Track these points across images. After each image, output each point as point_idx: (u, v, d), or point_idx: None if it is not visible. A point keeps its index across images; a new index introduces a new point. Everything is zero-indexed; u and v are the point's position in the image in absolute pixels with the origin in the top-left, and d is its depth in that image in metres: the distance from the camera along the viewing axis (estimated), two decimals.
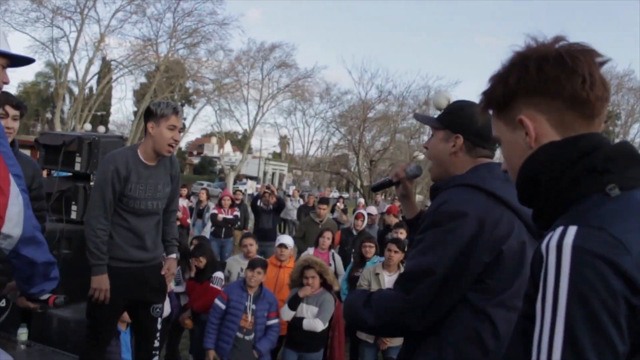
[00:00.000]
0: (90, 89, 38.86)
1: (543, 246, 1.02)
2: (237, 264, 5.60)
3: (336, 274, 6.33)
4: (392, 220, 8.95)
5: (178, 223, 9.40)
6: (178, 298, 5.40)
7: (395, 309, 1.76)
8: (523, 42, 1.20)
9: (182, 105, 48.59)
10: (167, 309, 4.93)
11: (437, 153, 1.98)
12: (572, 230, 0.99)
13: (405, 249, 5.64)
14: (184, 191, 12.28)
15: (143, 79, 40.83)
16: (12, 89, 67.55)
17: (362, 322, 1.86)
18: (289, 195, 16.63)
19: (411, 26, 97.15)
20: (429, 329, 1.75)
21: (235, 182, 45.83)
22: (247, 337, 4.45)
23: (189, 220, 10.05)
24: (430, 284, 1.70)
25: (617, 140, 1.21)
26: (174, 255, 3.79)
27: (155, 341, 3.68)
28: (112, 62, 35.78)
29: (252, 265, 4.59)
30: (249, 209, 11.25)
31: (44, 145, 5.11)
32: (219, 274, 5.31)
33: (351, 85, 79.92)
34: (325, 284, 4.80)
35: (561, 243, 0.98)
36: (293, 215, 15.31)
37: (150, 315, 3.65)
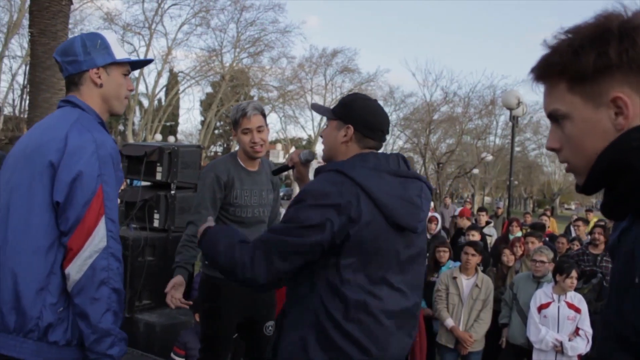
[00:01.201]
0: (160, 100, 40.11)
1: (633, 243, 0.91)
2: None
3: None
4: (465, 223, 8.78)
5: None
6: None
7: (241, 262, 1.94)
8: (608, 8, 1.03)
9: None
10: None
11: (330, 141, 2.16)
12: None
13: (482, 252, 5.54)
14: None
15: (209, 89, 41.87)
16: None
17: (213, 258, 2.05)
18: None
19: (474, 26, 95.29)
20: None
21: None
22: None
23: None
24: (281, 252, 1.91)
25: None
26: None
27: None
28: (180, 74, 36.86)
29: None
30: None
31: (127, 156, 5.32)
32: None
33: (415, 88, 79.12)
34: None
35: None
36: None
37: (263, 334, 3.42)
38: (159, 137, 34.36)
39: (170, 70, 37.59)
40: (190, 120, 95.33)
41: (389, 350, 1.98)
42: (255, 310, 3.37)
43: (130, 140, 32.23)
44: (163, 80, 36.25)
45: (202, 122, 43.07)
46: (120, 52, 2.09)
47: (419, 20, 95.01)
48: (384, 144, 2.18)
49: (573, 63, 1.03)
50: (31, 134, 2.04)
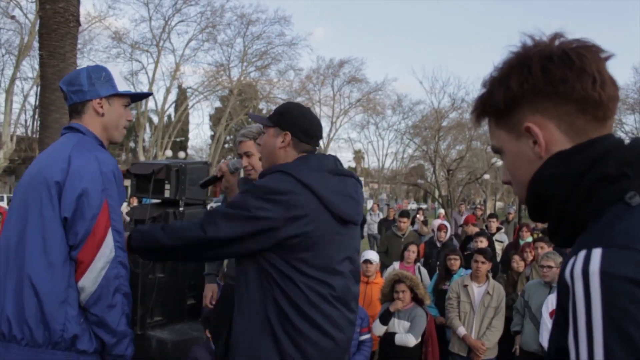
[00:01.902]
0: (169, 116, 40.43)
1: (567, 274, 0.91)
2: None
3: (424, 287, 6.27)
4: (472, 229, 8.77)
5: None
6: None
7: (190, 239, 2.06)
8: (519, 42, 1.09)
9: None
10: None
11: (268, 147, 2.29)
12: (597, 253, 0.88)
13: (491, 259, 5.53)
14: None
15: (218, 104, 42.16)
16: None
17: (157, 242, 2.12)
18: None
19: (480, 32, 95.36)
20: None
21: None
22: None
23: None
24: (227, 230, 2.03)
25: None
26: None
27: None
28: (188, 90, 37.16)
29: None
30: None
31: (135, 175, 5.36)
32: None
33: (423, 95, 79.24)
34: (417, 299, 4.76)
35: (587, 270, 0.87)
36: (374, 229, 15.26)
37: None
38: (169, 153, 34.59)
39: (179, 86, 37.94)
40: (200, 135, 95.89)
41: (346, 333, 2.18)
42: None
43: (141, 156, 32.49)
44: (172, 97, 36.58)
45: (212, 137, 43.27)
46: (122, 85, 2.24)
47: (425, 29, 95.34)
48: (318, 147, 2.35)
49: (489, 100, 1.10)
50: (39, 159, 2.17)
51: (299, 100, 38.12)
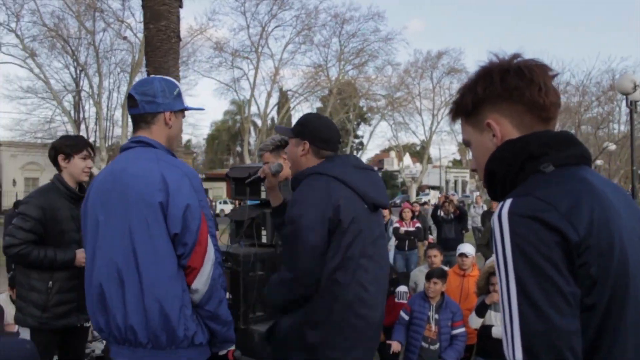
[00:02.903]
0: (272, 119, 41.52)
1: (492, 220, 1.22)
2: (422, 275, 5.67)
3: None
4: None
5: None
6: None
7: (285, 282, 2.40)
8: (487, 59, 1.39)
9: (358, 124, 50.01)
10: None
11: (292, 156, 2.60)
12: (508, 201, 1.19)
13: None
14: None
15: (318, 104, 42.73)
16: (205, 128, 73.94)
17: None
18: (461, 202, 16.24)
19: (578, 12, 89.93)
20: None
21: (417, 194, 45.83)
22: (432, 347, 4.50)
23: None
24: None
25: None
26: None
27: None
28: (289, 92, 37.99)
29: (428, 276, 4.65)
30: (429, 219, 11.24)
31: (233, 178, 5.66)
32: (402, 288, 5.42)
33: None
34: None
35: (501, 213, 1.18)
36: (478, 222, 14.94)
37: None
38: None
39: (280, 90, 38.87)
40: None
41: (378, 311, 2.45)
42: None
43: (247, 160, 33.68)
44: (273, 100, 37.58)
45: None
46: (186, 101, 2.41)
47: (524, 14, 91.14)
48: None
49: (461, 102, 1.41)
50: (125, 175, 2.19)
51: (398, 95, 37.95)
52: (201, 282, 2.14)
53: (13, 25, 28.17)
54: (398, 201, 37.52)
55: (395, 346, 4.76)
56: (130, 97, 2.31)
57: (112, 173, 2.25)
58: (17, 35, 28.40)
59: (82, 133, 32.34)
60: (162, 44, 9.04)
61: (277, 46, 58.54)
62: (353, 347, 2.35)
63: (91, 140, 33.48)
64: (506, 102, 1.33)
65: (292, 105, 39.02)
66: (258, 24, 33.17)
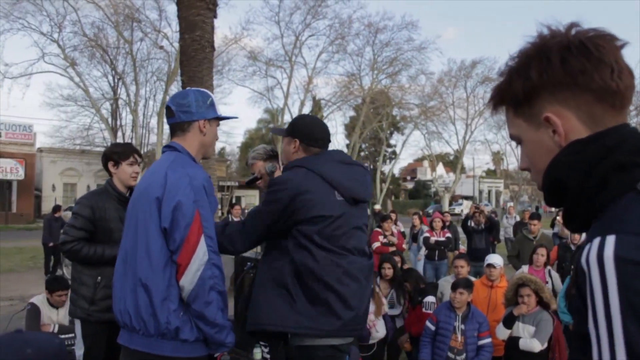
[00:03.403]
0: None
1: (583, 260, 0.94)
2: (448, 285, 5.65)
3: (554, 292, 6.03)
4: None
5: (393, 248, 9.71)
6: (393, 320, 5.62)
7: (233, 234, 2.59)
8: (535, 32, 1.10)
9: (391, 133, 49.87)
10: (382, 330, 5.17)
11: (285, 153, 2.79)
12: (611, 240, 0.91)
13: None
14: (393, 216, 12.63)
15: (351, 113, 42.77)
16: (239, 137, 74.40)
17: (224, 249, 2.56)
18: (494, 212, 16.01)
19: (615, 13, 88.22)
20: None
21: (450, 203, 45.42)
22: (458, 357, 4.48)
23: (404, 245, 10.28)
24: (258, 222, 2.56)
25: None
26: None
27: None
28: (322, 101, 38.12)
29: (454, 286, 4.64)
30: (460, 229, 11.16)
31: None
32: (430, 299, 5.40)
33: None
34: (542, 303, 4.64)
35: (602, 256, 0.90)
36: (510, 232, 14.76)
37: None
38: None
39: (313, 98, 39.02)
40: (334, 145, 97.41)
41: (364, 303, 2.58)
42: None
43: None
44: (307, 109, 37.71)
45: (347, 146, 44.00)
46: (219, 110, 2.59)
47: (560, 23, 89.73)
48: None
49: (508, 91, 1.12)
50: (145, 176, 2.51)
51: (431, 104, 37.74)
52: (187, 280, 2.22)
53: (55, 35, 29.09)
54: (430, 211, 37.24)
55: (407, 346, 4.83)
56: (168, 109, 2.53)
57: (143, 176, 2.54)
58: (59, 45, 29.27)
59: (119, 140, 33.05)
60: (196, 54, 9.26)
61: (310, 55, 59.06)
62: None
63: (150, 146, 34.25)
64: (569, 90, 1.05)
65: (325, 114, 39.12)
66: (292, 34, 33.48)
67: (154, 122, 33.63)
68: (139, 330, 2.29)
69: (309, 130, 2.72)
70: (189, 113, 2.49)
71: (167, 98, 30.23)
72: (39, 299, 5.04)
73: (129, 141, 33.29)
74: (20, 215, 33.92)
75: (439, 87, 37.73)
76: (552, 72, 1.04)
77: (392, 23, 35.42)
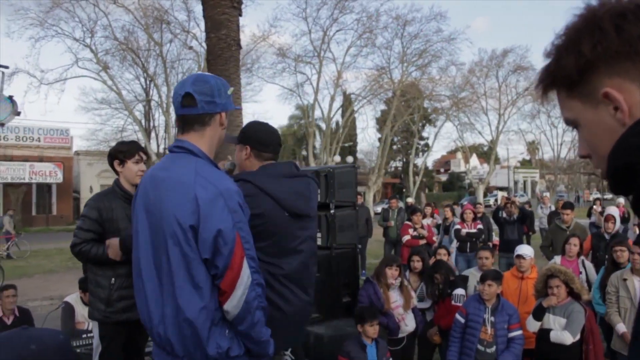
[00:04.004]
0: (337, 123, 41.63)
1: None
2: (473, 277, 5.59)
3: (588, 283, 5.91)
4: None
5: (424, 241, 9.65)
6: (423, 314, 5.58)
7: None
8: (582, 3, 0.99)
9: (423, 125, 49.48)
10: (411, 323, 5.15)
11: (238, 160, 2.80)
12: None
13: None
14: (428, 210, 12.52)
15: (382, 106, 42.55)
16: None
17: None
18: (527, 203, 15.72)
19: None
20: None
21: (485, 195, 44.84)
22: (488, 350, 4.43)
23: (434, 238, 10.20)
24: None
25: None
26: None
27: None
28: (352, 95, 38.02)
29: (483, 278, 4.58)
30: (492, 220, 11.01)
31: None
32: (459, 291, 5.35)
33: None
34: (573, 294, 4.55)
35: None
36: (545, 222, 14.51)
37: None
38: (337, 158, 35.71)
39: (344, 93, 38.94)
40: (365, 139, 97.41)
41: (294, 307, 2.59)
42: None
43: (312, 163, 33.95)
44: (337, 104, 37.70)
45: (379, 139, 43.82)
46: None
47: None
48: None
49: (559, 70, 1.01)
50: (160, 187, 2.16)
51: (463, 95, 37.30)
52: (232, 305, 2.09)
53: (88, 40, 29.65)
54: (465, 203, 36.91)
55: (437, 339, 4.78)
56: (188, 96, 2.17)
57: (153, 178, 2.22)
58: (91, 50, 29.81)
59: (152, 141, 33.60)
60: (223, 52, 9.31)
61: (339, 50, 58.72)
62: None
63: (161, 147, 34.73)
64: (629, 59, 0.93)
65: (355, 108, 39.06)
66: (320, 29, 33.42)
67: None
68: (182, 357, 2.15)
69: (259, 136, 2.73)
70: (213, 104, 2.19)
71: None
72: (73, 297, 5.16)
73: (163, 142, 33.83)
74: (60, 217, 34.79)
75: (470, 78, 37.27)
76: (607, 42, 0.93)
77: (420, 15, 35.38)
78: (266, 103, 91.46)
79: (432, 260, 6.23)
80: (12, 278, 12.57)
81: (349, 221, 5.66)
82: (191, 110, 2.18)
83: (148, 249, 2.17)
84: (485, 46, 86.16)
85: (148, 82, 34.36)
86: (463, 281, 5.74)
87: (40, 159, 33.27)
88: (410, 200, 21.69)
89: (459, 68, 36.52)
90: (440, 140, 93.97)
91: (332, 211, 5.50)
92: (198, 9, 30.94)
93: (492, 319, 4.49)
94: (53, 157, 34.01)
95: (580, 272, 6.00)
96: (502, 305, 4.56)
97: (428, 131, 53.17)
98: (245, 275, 2.09)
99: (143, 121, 35.02)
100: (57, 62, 37.64)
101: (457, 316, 4.67)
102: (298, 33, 54.61)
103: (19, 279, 13.01)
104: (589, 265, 6.29)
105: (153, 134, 35.39)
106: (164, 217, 2.10)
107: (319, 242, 5.57)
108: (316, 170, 5.55)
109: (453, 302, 5.23)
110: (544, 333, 4.48)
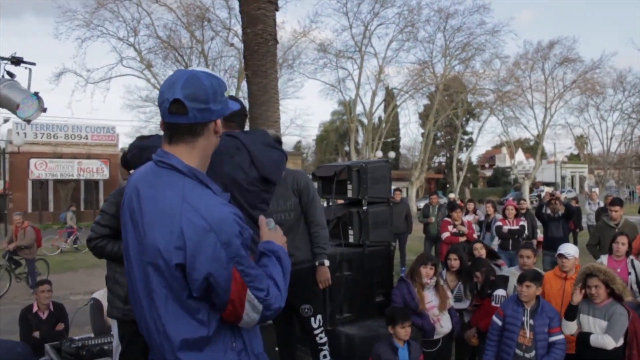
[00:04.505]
0: (379, 118, 41.33)
1: None
2: (514, 277, 5.33)
3: (638, 284, 5.58)
4: None
5: (464, 238, 9.38)
6: (461, 315, 5.37)
7: None
8: None
9: (467, 120, 48.69)
10: (447, 325, 4.95)
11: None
12: None
13: None
14: (471, 206, 12.21)
15: (425, 101, 42.06)
16: (313, 130, 75.08)
17: None
18: (574, 199, 15.21)
19: None
20: None
21: (531, 190, 43.80)
22: (527, 355, 4.19)
23: (474, 235, 9.90)
24: None
25: None
26: (320, 262, 4.16)
27: (317, 337, 4.16)
28: (394, 90, 37.68)
29: (521, 279, 4.34)
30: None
31: (320, 177, 5.65)
32: (499, 292, 5.11)
33: None
34: (614, 295, 4.27)
35: None
36: (593, 219, 13.97)
37: (301, 315, 4.13)
38: (379, 153, 35.46)
39: (386, 88, 38.67)
40: (407, 134, 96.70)
41: None
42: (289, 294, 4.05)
43: (354, 158, 33.86)
44: (378, 99, 37.41)
45: (422, 134, 43.34)
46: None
47: None
48: None
49: None
50: (144, 209, 1.83)
51: (507, 88, 36.56)
52: (245, 322, 1.83)
53: (132, 39, 30.21)
54: (511, 198, 36.16)
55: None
56: (176, 103, 1.76)
57: (137, 192, 1.89)
58: (135, 49, 30.42)
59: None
60: (259, 47, 9.25)
61: (380, 44, 58.11)
62: None
63: None
64: None
65: (397, 103, 38.70)
66: (361, 24, 33.25)
67: None
68: None
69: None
70: (207, 112, 1.80)
71: (240, 93, 30.94)
72: (101, 293, 5.14)
73: None
74: None
75: (514, 71, 36.52)
76: None
77: (462, 7, 34.78)
78: (308, 99, 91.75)
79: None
80: (59, 272, 12.93)
81: (382, 218, 5.49)
82: (181, 118, 1.78)
83: (139, 265, 1.85)
84: (530, 38, 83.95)
85: None
86: (504, 281, 5.48)
87: (88, 156, 34.06)
88: (452, 195, 21.33)
89: (503, 61, 35.84)
90: (485, 135, 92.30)
91: (364, 207, 5.34)
92: (237, 5, 31.27)
93: (531, 321, 4.24)
94: (100, 154, 34.76)
95: (629, 273, 5.66)
96: (542, 307, 4.30)
97: (472, 126, 52.36)
98: (250, 307, 1.78)
99: None
100: (103, 62, 38.66)
101: (494, 318, 4.45)
102: (339, 28, 54.36)
103: (64, 273, 13.35)
104: (639, 265, 5.94)
105: None
106: (148, 250, 1.79)
107: (351, 239, 5.43)
108: (348, 165, 5.41)
109: (493, 304, 5.00)
110: (584, 337, 4.23)
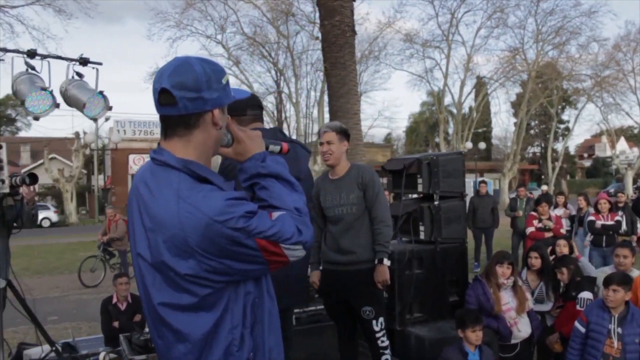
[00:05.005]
0: (469, 108, 40.22)
1: None
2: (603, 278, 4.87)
3: None
4: None
5: (551, 234, 8.82)
6: (543, 318, 4.99)
7: None
8: None
9: (562, 108, 46.40)
10: (526, 329, 4.59)
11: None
12: None
13: None
14: (561, 199, 11.49)
15: (517, 89, 40.45)
16: (403, 121, 74.34)
17: None
18: None
19: None
20: None
21: (635, 182, 41.08)
22: None
23: (562, 230, 9.29)
24: None
25: None
26: (379, 260, 3.92)
27: (379, 341, 3.96)
28: (484, 79, 36.50)
29: (606, 282, 3.92)
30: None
31: (390, 171, 5.42)
32: (585, 295, 4.66)
33: None
34: None
35: None
36: None
37: (361, 317, 3.98)
38: (469, 144, 34.52)
39: (477, 77, 37.55)
40: (498, 123, 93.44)
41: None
42: (346, 295, 4.01)
43: (443, 150, 33.15)
44: (467, 88, 36.33)
45: (515, 124, 41.73)
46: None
47: None
48: None
49: None
50: (142, 203, 1.71)
51: (606, 73, 34.47)
52: (296, 258, 1.69)
53: (219, 37, 31.04)
54: (612, 190, 34.03)
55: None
56: (164, 93, 1.61)
57: (138, 192, 1.74)
58: (223, 46, 31.30)
59: (284, 131, 34.51)
60: (337, 39, 9.16)
61: (468, 32, 56.26)
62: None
63: (293, 137, 35.61)
64: None
65: (488, 92, 37.42)
66: (447, 11, 32.50)
67: (316, 112, 34.60)
68: None
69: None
70: (199, 100, 1.62)
71: (326, 87, 30.96)
72: None
73: (294, 132, 34.60)
74: None
75: (614, 54, 34.29)
76: None
77: None
78: (395, 90, 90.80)
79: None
80: None
81: (456, 213, 5.18)
82: (171, 110, 1.63)
83: (148, 267, 1.71)
84: (632, 18, 78.47)
85: (278, 75, 35.27)
86: (590, 283, 5.02)
87: None
88: (545, 187, 20.30)
89: (601, 44, 33.73)
90: (582, 124, 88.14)
91: (436, 202, 5.06)
92: None
93: (620, 330, 3.83)
94: None
95: None
96: (632, 314, 3.87)
97: (568, 114, 49.91)
98: (290, 251, 1.64)
99: (275, 112, 36.01)
100: None
101: (577, 325, 4.06)
102: (425, 17, 53.68)
103: None
104: None
105: (285, 125, 36.30)
106: (154, 254, 1.66)
107: (422, 235, 5.17)
108: (418, 158, 5.14)
109: (578, 307, 4.59)
110: None
